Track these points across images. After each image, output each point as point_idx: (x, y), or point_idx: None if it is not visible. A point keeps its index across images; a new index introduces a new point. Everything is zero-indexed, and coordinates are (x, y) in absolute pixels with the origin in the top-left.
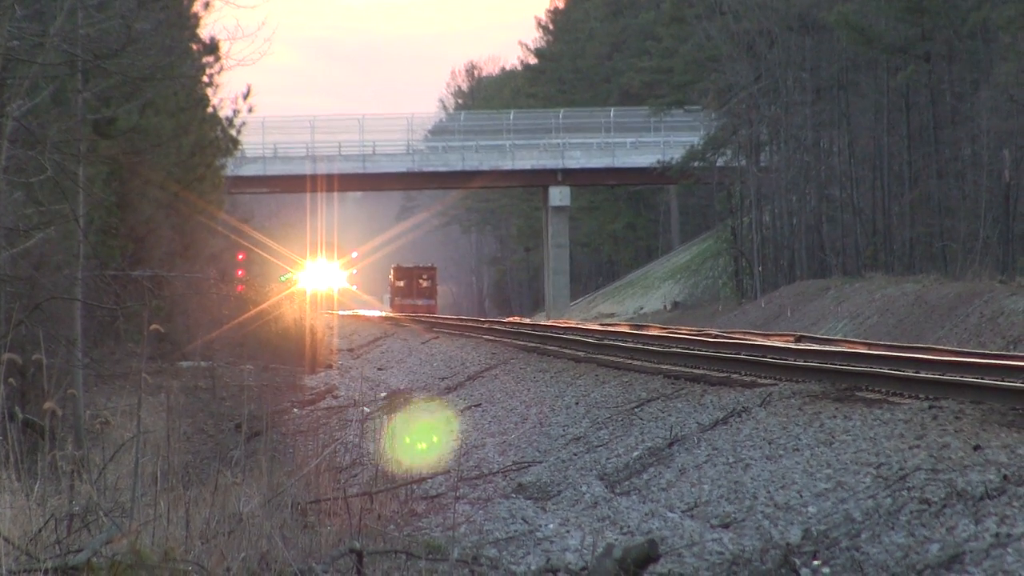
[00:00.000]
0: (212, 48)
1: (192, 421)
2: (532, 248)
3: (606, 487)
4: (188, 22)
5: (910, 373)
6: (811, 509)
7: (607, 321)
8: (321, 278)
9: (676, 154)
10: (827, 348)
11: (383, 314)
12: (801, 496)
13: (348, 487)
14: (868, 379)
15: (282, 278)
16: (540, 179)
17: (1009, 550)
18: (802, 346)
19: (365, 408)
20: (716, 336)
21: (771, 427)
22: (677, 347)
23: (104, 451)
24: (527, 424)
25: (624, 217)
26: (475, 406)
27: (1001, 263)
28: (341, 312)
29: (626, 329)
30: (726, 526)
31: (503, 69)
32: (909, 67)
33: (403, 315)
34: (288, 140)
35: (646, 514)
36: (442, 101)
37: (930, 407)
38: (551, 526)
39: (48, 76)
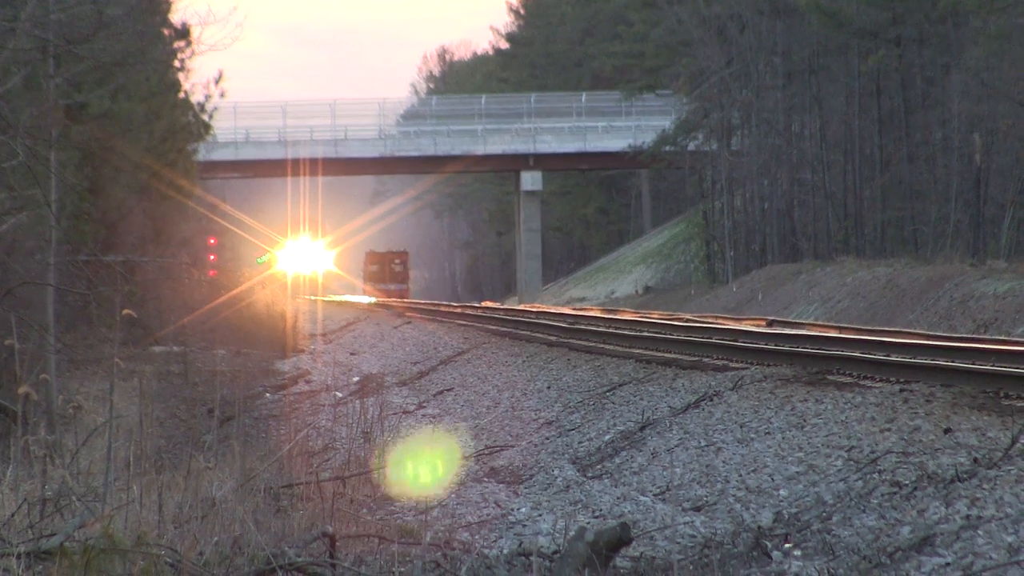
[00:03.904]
0: (184, 33)
1: (165, 406)
2: (504, 233)
3: (578, 471)
4: (160, 7)
5: (881, 356)
6: (782, 492)
7: (579, 305)
8: (303, 260)
9: (648, 138)
10: (798, 332)
11: (372, 300)
12: (773, 479)
13: (321, 471)
14: (839, 363)
15: (259, 260)
16: (512, 164)
17: (979, 532)
18: (773, 330)
19: (337, 393)
20: (688, 320)
21: (743, 411)
22: (649, 331)
23: (77, 436)
24: (499, 408)
25: (596, 202)
26: (448, 390)
27: (972, 247)
28: (329, 298)
29: (598, 313)
30: (698, 509)
31: (475, 54)
32: (880, 51)
33: (390, 300)
34: (260, 125)
35: (618, 497)
36: (414, 86)
37: (901, 390)
38: (523, 510)
39: (20, 61)
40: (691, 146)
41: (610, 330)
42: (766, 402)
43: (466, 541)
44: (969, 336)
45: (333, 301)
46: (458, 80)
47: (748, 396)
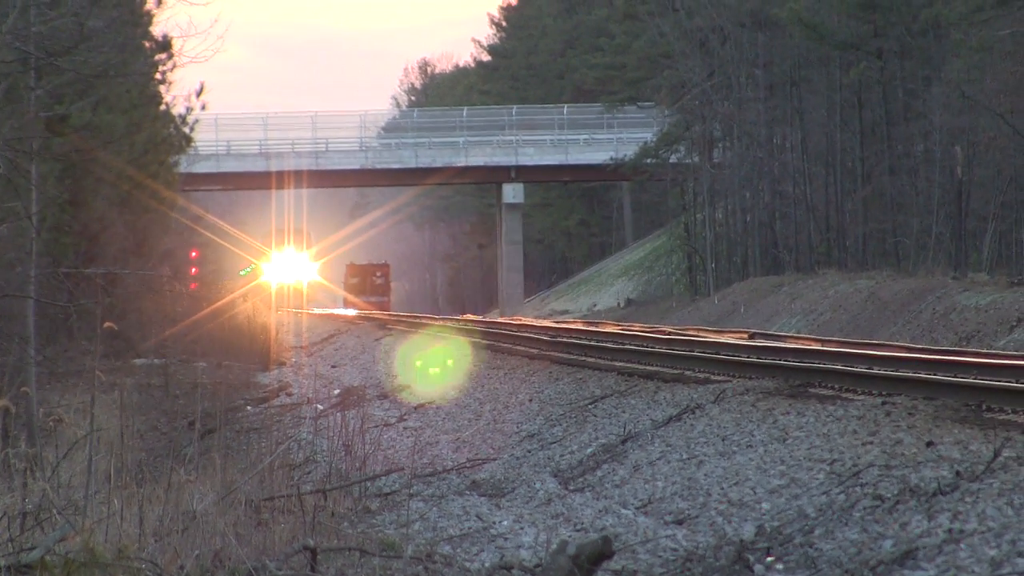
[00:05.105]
0: (165, 45)
1: (146, 419)
2: (486, 245)
3: (560, 484)
4: (141, 19)
5: (863, 369)
6: (765, 505)
7: (561, 318)
8: (288, 270)
9: (629, 151)
10: (780, 345)
11: (355, 312)
12: (755, 492)
13: (302, 484)
14: (821, 375)
15: (242, 272)
16: (494, 176)
17: (962, 546)
18: (756, 343)
19: (319, 405)
20: (669, 333)
21: (725, 424)
22: (630, 344)
23: (57, 449)
24: (481, 421)
25: (577, 214)
26: (429, 403)
27: (953, 259)
28: (312, 311)
29: (579, 326)
30: (680, 523)
31: (456, 66)
32: (861, 63)
33: (372, 313)
34: (241, 137)
35: (600, 511)
36: (395, 98)
37: (883, 403)
38: (505, 523)
39: (0, 73)
40: (673, 158)
41: (592, 343)
42: (748, 415)
43: (448, 554)
44: (951, 349)
45: (316, 314)
46: (439, 92)
47: (730, 409)
